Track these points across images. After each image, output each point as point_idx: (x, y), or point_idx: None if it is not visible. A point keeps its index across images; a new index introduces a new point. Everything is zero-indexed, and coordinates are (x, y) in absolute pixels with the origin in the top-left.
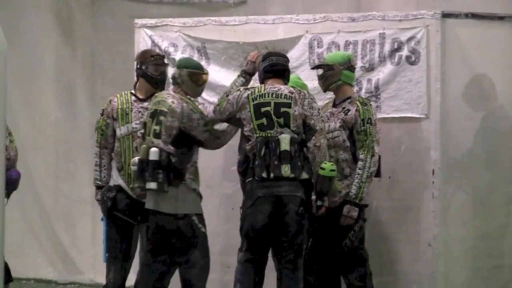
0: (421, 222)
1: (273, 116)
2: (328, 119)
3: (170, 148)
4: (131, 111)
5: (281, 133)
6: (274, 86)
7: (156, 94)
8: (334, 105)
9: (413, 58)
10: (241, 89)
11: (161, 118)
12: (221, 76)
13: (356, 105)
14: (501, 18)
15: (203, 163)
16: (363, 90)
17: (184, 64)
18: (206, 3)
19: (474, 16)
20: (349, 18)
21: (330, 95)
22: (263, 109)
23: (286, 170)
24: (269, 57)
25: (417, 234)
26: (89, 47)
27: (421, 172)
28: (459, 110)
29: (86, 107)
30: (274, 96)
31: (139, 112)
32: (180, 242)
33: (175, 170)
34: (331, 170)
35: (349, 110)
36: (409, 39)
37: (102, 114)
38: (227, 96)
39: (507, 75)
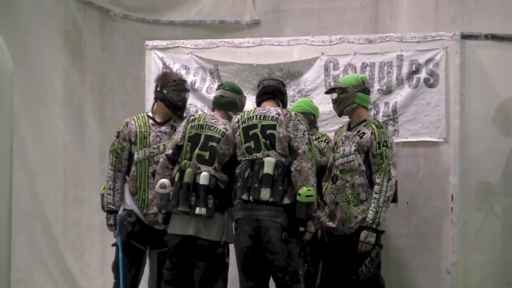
0: (439, 249)
1: (261, 139)
2: (343, 143)
3: (223, 176)
4: (149, 135)
5: (267, 155)
6: (264, 108)
7: (194, 117)
8: (349, 128)
9: (431, 81)
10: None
11: (212, 144)
12: None
13: (371, 128)
14: None
15: None
16: (381, 114)
17: (241, 91)
18: (219, 24)
19: (494, 37)
20: (366, 40)
21: (346, 118)
22: (251, 132)
23: (264, 193)
24: (262, 82)
25: (436, 261)
26: (99, 70)
27: (440, 197)
28: (479, 133)
29: (96, 131)
30: (261, 118)
31: (157, 136)
32: (212, 270)
33: (223, 196)
34: (307, 196)
35: (364, 133)
36: (428, 61)
37: (117, 137)
38: None
39: None
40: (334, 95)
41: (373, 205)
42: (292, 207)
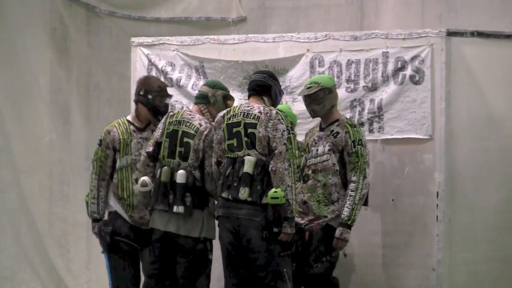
0: (425, 246)
1: (243, 137)
2: (315, 143)
3: (196, 172)
4: (131, 142)
5: (248, 154)
6: (248, 105)
7: (172, 113)
8: (321, 129)
9: (417, 78)
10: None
11: (188, 140)
12: None
13: (345, 127)
14: (507, 36)
15: None
16: (366, 110)
17: (220, 86)
18: (205, 21)
19: (480, 34)
20: (352, 37)
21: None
22: (234, 130)
23: (243, 193)
24: (250, 77)
25: (421, 258)
26: (85, 66)
27: (425, 195)
28: (465, 130)
29: (81, 128)
30: (244, 115)
31: (139, 143)
32: (195, 266)
33: (202, 193)
34: (272, 198)
35: (338, 132)
36: (413, 58)
37: (100, 145)
38: None
39: None
40: (317, 96)
41: (348, 202)
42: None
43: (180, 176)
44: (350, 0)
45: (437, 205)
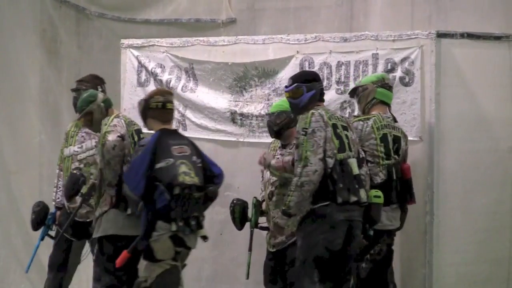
0: (414, 248)
1: (344, 138)
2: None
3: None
4: (76, 134)
5: (350, 156)
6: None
7: (120, 116)
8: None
9: (407, 79)
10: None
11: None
12: (210, 98)
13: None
14: (497, 38)
15: None
16: (356, 112)
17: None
18: (195, 22)
19: (470, 36)
20: (341, 38)
21: None
22: (337, 131)
23: (363, 195)
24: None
25: (411, 259)
26: (75, 68)
27: (415, 196)
28: (454, 132)
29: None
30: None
31: (82, 136)
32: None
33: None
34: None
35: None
36: (403, 60)
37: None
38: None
39: (504, 96)
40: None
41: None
42: None
43: None
44: (340, 1)
45: (426, 207)
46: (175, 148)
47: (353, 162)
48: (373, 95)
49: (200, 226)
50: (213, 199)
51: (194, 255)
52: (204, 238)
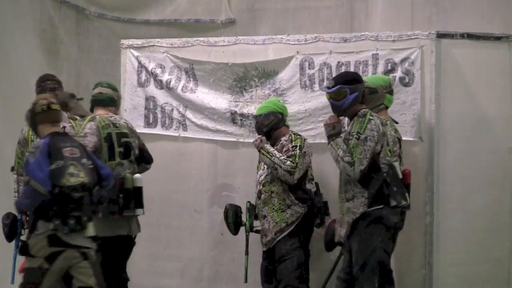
0: (415, 248)
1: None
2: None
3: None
4: (36, 138)
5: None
6: None
7: (97, 117)
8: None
9: (407, 80)
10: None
11: (126, 139)
12: (210, 98)
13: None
14: (497, 38)
15: (192, 187)
16: None
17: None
18: (194, 23)
19: (470, 36)
20: (341, 39)
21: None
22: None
23: (408, 199)
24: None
25: (411, 260)
26: (75, 68)
27: (415, 196)
28: (454, 132)
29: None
30: None
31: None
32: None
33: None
34: None
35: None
36: (403, 60)
37: (18, 143)
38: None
39: (504, 96)
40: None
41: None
42: None
43: (139, 180)
44: (340, 2)
45: (427, 207)
46: (66, 150)
47: (397, 166)
48: (382, 101)
49: (82, 225)
50: (102, 202)
51: (195, 255)
52: (94, 239)
